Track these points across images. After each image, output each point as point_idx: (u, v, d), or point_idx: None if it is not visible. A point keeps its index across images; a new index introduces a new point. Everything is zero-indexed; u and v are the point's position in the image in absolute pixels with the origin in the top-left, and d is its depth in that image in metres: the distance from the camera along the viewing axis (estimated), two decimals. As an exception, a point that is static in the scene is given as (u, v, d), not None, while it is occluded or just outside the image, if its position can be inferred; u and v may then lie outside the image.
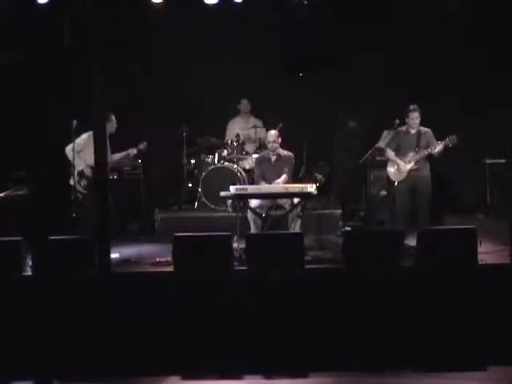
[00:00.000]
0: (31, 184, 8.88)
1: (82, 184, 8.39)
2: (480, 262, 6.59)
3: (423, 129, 8.30)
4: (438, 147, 8.10)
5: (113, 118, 8.55)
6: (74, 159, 8.23)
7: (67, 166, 8.58)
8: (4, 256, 6.60)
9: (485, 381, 5.97)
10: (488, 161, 9.88)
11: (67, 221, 8.53)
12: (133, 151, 8.91)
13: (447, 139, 8.11)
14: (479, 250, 6.64)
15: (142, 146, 8.97)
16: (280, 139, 8.58)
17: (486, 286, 6.39)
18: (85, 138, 8.35)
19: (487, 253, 7.08)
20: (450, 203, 10.04)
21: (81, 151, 8.33)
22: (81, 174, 8.40)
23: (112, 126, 8.52)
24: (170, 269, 6.76)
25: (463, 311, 6.34)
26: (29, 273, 6.65)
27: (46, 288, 6.42)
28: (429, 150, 8.14)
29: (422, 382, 6.06)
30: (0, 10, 8.77)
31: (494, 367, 6.12)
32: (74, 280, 6.50)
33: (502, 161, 9.63)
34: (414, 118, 8.23)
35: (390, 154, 8.41)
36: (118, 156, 8.86)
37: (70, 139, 8.48)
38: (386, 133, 8.76)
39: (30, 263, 6.67)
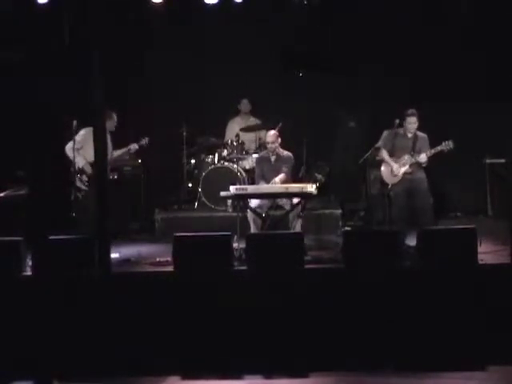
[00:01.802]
0: (31, 184, 8.88)
1: (83, 181, 8.43)
2: (480, 262, 6.59)
3: (420, 134, 8.28)
4: (422, 157, 8.07)
5: (114, 116, 8.59)
6: (73, 157, 8.29)
7: (68, 165, 8.62)
8: (4, 256, 6.60)
9: (485, 381, 5.97)
10: (488, 161, 9.87)
11: (67, 221, 8.54)
12: (134, 146, 8.93)
13: (443, 144, 8.08)
14: (479, 249, 6.64)
15: (143, 142, 9.00)
16: (279, 139, 8.59)
17: (486, 286, 6.40)
18: (83, 135, 8.39)
19: (487, 253, 7.08)
20: (450, 203, 10.05)
21: (80, 148, 8.38)
22: (81, 171, 8.45)
23: (112, 123, 8.56)
24: (170, 269, 6.76)
25: (463, 311, 6.34)
26: (29, 273, 6.65)
27: (46, 288, 6.42)
28: (418, 158, 8.12)
29: (421, 381, 6.06)
30: (0, 10, 8.77)
31: (494, 367, 6.13)
32: (73, 280, 6.50)
33: (502, 161, 9.64)
34: (412, 122, 8.19)
35: (385, 155, 8.41)
36: (119, 152, 8.90)
37: (71, 139, 8.52)
38: (386, 133, 8.74)
39: (30, 263, 6.67)
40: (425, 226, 7.71)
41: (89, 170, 8.46)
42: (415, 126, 8.21)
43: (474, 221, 9.23)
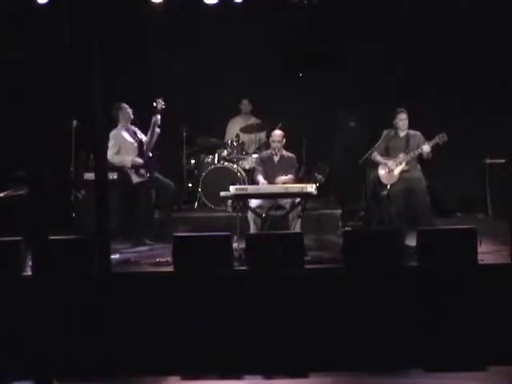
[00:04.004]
0: (31, 184, 8.89)
1: (140, 173, 8.61)
2: (480, 262, 6.59)
3: (412, 132, 8.33)
4: (425, 147, 8.11)
5: (122, 106, 8.60)
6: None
7: (68, 165, 8.67)
8: (4, 256, 6.60)
9: (485, 381, 5.98)
10: (488, 161, 9.87)
11: (67, 221, 8.54)
12: (156, 118, 8.79)
13: (437, 137, 8.13)
14: (479, 249, 6.64)
15: (159, 106, 8.81)
16: (284, 140, 8.60)
17: (486, 286, 6.40)
18: (113, 138, 8.45)
19: (487, 253, 7.07)
20: (450, 203, 10.05)
21: (118, 152, 8.46)
22: (134, 166, 8.57)
23: (125, 115, 8.59)
24: (170, 269, 6.76)
25: (463, 311, 6.34)
26: (29, 273, 6.65)
27: (46, 288, 6.42)
28: (418, 150, 8.15)
29: (421, 381, 6.06)
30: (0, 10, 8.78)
31: (494, 367, 6.13)
32: (74, 280, 6.50)
33: (502, 161, 9.64)
34: (403, 119, 8.28)
35: (378, 157, 8.48)
36: (149, 135, 8.82)
37: (70, 139, 8.54)
38: (385, 133, 8.76)
39: (30, 263, 6.67)
40: (424, 224, 7.75)
41: (139, 161, 8.60)
42: (406, 122, 8.30)
43: (474, 221, 9.23)
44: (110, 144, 8.39)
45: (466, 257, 6.51)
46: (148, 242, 8.58)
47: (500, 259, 6.92)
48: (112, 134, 8.52)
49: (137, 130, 8.89)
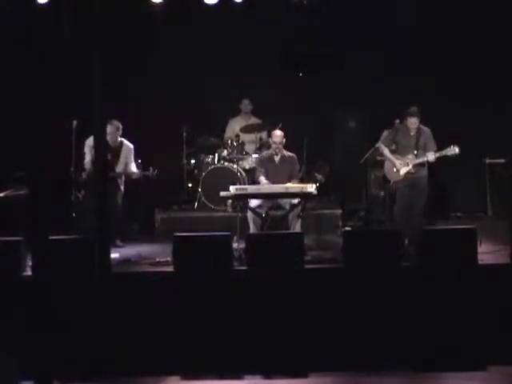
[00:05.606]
0: (31, 184, 8.89)
1: (83, 176, 8.58)
2: (480, 262, 6.59)
3: (423, 128, 8.25)
4: (431, 156, 8.06)
5: (109, 124, 8.54)
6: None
7: (69, 164, 8.69)
8: (4, 256, 6.60)
9: (485, 381, 5.98)
10: (488, 161, 9.88)
11: (67, 221, 8.54)
12: (138, 174, 8.84)
13: (448, 149, 8.03)
14: (479, 250, 6.64)
15: (149, 173, 8.87)
16: (284, 140, 8.59)
17: (486, 286, 6.40)
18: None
19: (487, 253, 7.08)
20: (451, 203, 10.05)
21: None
22: (83, 166, 8.50)
23: (109, 130, 8.54)
24: (170, 269, 6.76)
25: (463, 311, 6.35)
26: (29, 273, 6.65)
27: (46, 288, 6.42)
28: (425, 158, 8.10)
29: (422, 381, 6.07)
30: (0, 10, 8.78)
31: (494, 367, 6.13)
32: (74, 280, 6.50)
33: (502, 161, 9.64)
34: (413, 123, 8.16)
35: (385, 151, 8.39)
36: (133, 170, 8.83)
37: (71, 139, 8.54)
38: (386, 133, 8.75)
39: (30, 263, 6.67)
40: (414, 221, 7.76)
41: (90, 168, 8.53)
42: (416, 126, 8.20)
43: (474, 221, 9.23)
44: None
45: (466, 257, 6.51)
46: (119, 243, 8.55)
47: (500, 259, 6.92)
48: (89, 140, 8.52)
49: (130, 148, 8.83)
